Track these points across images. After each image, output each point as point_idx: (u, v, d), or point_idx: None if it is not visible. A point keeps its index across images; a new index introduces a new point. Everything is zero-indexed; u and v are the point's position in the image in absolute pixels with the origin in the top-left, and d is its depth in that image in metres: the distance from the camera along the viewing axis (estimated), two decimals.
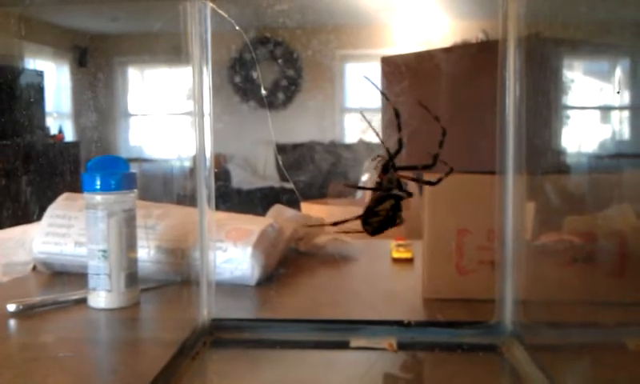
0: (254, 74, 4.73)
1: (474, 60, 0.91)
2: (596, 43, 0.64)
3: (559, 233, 0.70)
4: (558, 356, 0.67)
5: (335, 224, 0.73)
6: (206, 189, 0.82)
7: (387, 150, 0.71)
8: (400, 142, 0.70)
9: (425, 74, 0.95)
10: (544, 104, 0.74)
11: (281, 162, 0.92)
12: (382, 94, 0.81)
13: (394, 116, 0.69)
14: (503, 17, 0.77)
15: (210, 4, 0.77)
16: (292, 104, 5.13)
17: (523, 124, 0.76)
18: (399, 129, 0.69)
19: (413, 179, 0.74)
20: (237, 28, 0.74)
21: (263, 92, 0.85)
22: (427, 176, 0.90)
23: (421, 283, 0.93)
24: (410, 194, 0.73)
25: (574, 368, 0.62)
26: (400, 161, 0.71)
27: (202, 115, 0.81)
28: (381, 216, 0.72)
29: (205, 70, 0.80)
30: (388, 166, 0.72)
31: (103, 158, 0.90)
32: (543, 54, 0.74)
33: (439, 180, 0.72)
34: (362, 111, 0.82)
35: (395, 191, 0.72)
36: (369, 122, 0.78)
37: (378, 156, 0.73)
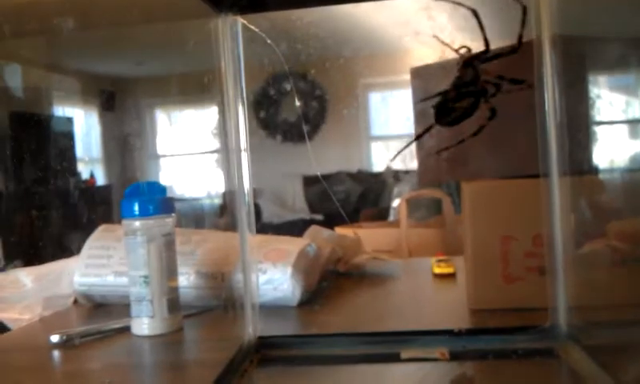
0: (279, 109, 4.77)
1: (509, 62, 0.90)
2: (631, 37, 0.62)
3: (605, 237, 0.68)
4: (617, 355, 0.65)
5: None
6: (246, 215, 0.81)
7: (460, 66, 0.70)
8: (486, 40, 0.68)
9: None
10: (583, 102, 0.72)
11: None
12: (444, 43, 0.79)
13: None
14: (536, 16, 0.76)
15: (241, 20, 0.77)
16: (317, 135, 5.14)
17: (565, 124, 0.74)
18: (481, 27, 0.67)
19: (498, 77, 0.72)
20: (268, 41, 0.74)
21: (297, 103, 0.84)
22: (466, 182, 0.89)
23: (466, 296, 0.90)
24: (520, 81, 0.72)
25: (637, 364, 0.60)
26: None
27: (239, 150, 0.81)
28: (458, 112, 0.71)
29: (239, 103, 0.80)
30: (470, 61, 0.70)
31: (140, 184, 0.89)
32: (579, 52, 0.73)
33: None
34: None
35: (474, 88, 0.71)
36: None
37: (463, 47, 0.71)
